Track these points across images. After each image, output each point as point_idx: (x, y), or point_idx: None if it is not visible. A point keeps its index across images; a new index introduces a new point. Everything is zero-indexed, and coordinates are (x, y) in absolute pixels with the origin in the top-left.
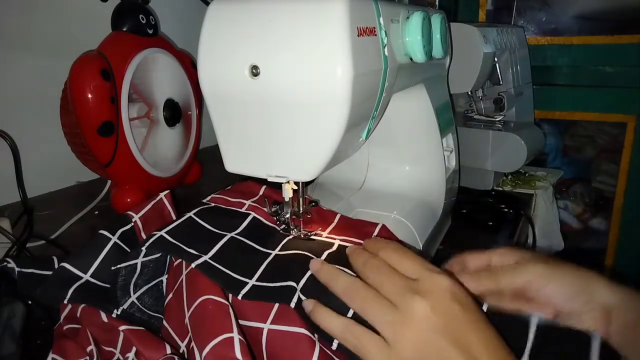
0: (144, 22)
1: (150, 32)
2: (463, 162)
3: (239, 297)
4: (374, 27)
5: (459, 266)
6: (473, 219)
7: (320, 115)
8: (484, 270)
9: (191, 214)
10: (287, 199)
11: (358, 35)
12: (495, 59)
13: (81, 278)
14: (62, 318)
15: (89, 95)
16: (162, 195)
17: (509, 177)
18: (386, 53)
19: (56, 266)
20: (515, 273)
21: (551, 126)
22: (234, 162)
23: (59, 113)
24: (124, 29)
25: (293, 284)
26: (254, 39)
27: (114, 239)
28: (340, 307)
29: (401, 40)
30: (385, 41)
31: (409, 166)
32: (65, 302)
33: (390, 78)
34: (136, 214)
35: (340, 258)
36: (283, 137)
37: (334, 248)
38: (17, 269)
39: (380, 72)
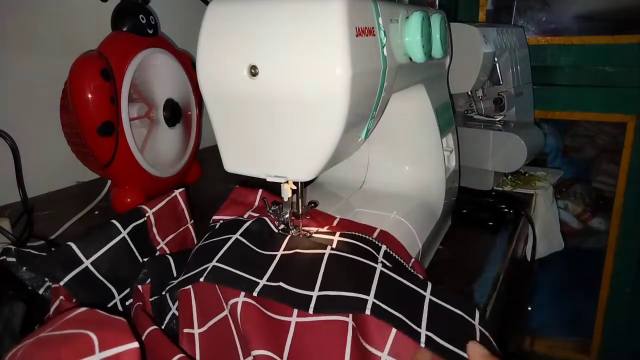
0: (144, 22)
1: (151, 32)
2: (463, 162)
3: (310, 311)
4: (373, 27)
5: None
6: (473, 219)
7: (319, 115)
8: None
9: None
10: (286, 199)
11: (357, 36)
12: (495, 59)
13: (82, 262)
14: (51, 310)
15: (89, 95)
16: (177, 192)
17: (509, 177)
18: (385, 53)
19: None
20: None
21: (551, 126)
22: (233, 163)
23: (59, 113)
24: (124, 29)
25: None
26: (252, 39)
27: (124, 233)
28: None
29: (400, 40)
30: (384, 41)
31: (408, 166)
32: (62, 284)
33: (390, 78)
34: (150, 209)
35: (343, 253)
36: (282, 137)
37: (334, 244)
38: (13, 248)
39: (379, 72)
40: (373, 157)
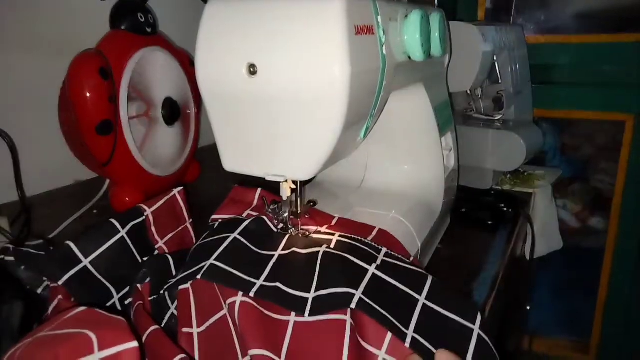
0: (142, 20)
1: (149, 30)
2: (462, 161)
3: (306, 315)
4: (372, 26)
5: None
6: (472, 218)
7: (318, 113)
8: None
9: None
10: (285, 198)
11: (356, 34)
12: (494, 58)
13: (81, 261)
14: (50, 309)
15: (88, 94)
16: (175, 191)
17: (508, 176)
18: (384, 51)
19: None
20: None
21: (550, 125)
22: (232, 162)
23: (58, 112)
24: (123, 28)
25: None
26: (251, 37)
27: (123, 232)
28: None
29: (400, 38)
30: (383, 40)
31: (407, 165)
32: (60, 283)
33: (389, 76)
34: (149, 207)
35: (338, 252)
36: (281, 135)
37: (332, 244)
38: (12, 247)
39: (378, 71)
40: (372, 156)
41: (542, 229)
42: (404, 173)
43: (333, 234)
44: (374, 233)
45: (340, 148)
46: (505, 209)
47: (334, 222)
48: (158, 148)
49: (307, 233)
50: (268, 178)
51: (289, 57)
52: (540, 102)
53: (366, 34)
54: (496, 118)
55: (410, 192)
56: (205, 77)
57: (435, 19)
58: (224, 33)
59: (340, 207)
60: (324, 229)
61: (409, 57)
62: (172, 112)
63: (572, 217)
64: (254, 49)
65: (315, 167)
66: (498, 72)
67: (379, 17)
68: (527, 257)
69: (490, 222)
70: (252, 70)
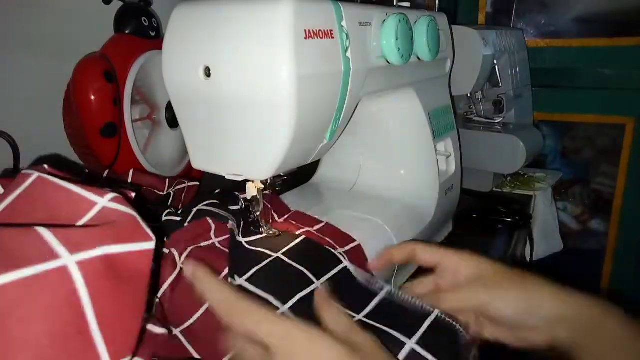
0: (146, 24)
1: (153, 34)
2: (462, 163)
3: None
4: (331, 30)
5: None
6: (472, 221)
7: (269, 116)
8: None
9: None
10: (249, 197)
11: (306, 38)
12: (495, 61)
13: None
14: None
15: (92, 97)
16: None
17: (509, 178)
18: (349, 55)
19: None
20: (457, 299)
21: (550, 128)
22: (199, 160)
23: (62, 114)
24: (127, 32)
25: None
26: (206, 40)
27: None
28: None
29: (376, 43)
30: (347, 44)
31: (399, 170)
32: None
33: (356, 80)
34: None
35: (301, 252)
36: (236, 136)
37: (297, 241)
38: None
39: (340, 75)
40: (365, 159)
41: (542, 231)
42: (396, 177)
43: (298, 236)
44: (349, 246)
45: (298, 149)
46: (505, 211)
47: (317, 226)
48: (161, 151)
49: (277, 232)
50: (228, 177)
51: (239, 60)
52: (540, 105)
53: (322, 38)
54: (496, 121)
55: (399, 197)
56: (169, 79)
57: (422, 24)
58: (184, 37)
59: (324, 209)
60: (297, 232)
61: (388, 62)
62: (175, 115)
63: (573, 220)
64: (208, 52)
65: (271, 167)
66: (498, 75)
67: (343, 22)
68: (528, 259)
69: (490, 225)
70: (207, 73)
